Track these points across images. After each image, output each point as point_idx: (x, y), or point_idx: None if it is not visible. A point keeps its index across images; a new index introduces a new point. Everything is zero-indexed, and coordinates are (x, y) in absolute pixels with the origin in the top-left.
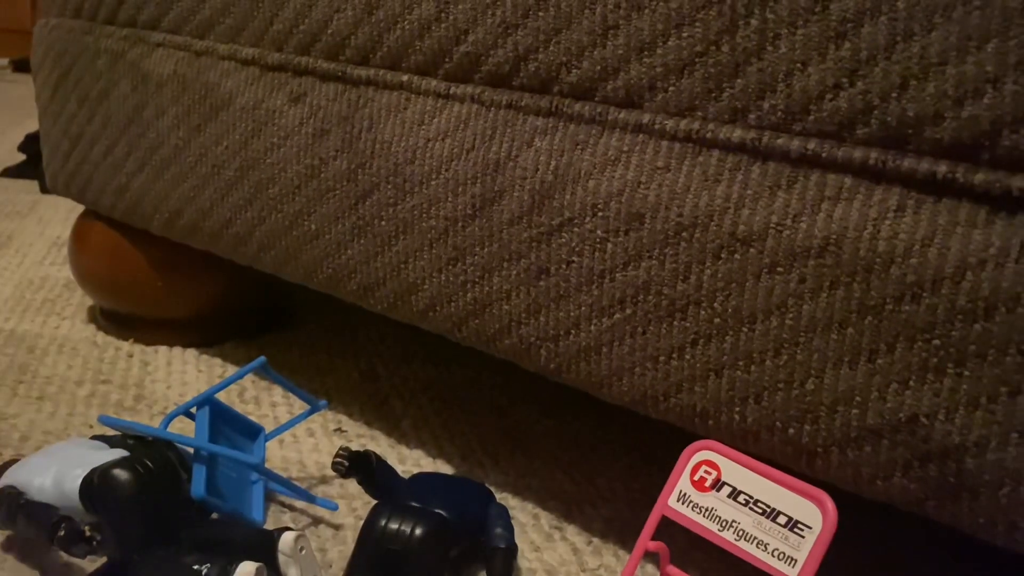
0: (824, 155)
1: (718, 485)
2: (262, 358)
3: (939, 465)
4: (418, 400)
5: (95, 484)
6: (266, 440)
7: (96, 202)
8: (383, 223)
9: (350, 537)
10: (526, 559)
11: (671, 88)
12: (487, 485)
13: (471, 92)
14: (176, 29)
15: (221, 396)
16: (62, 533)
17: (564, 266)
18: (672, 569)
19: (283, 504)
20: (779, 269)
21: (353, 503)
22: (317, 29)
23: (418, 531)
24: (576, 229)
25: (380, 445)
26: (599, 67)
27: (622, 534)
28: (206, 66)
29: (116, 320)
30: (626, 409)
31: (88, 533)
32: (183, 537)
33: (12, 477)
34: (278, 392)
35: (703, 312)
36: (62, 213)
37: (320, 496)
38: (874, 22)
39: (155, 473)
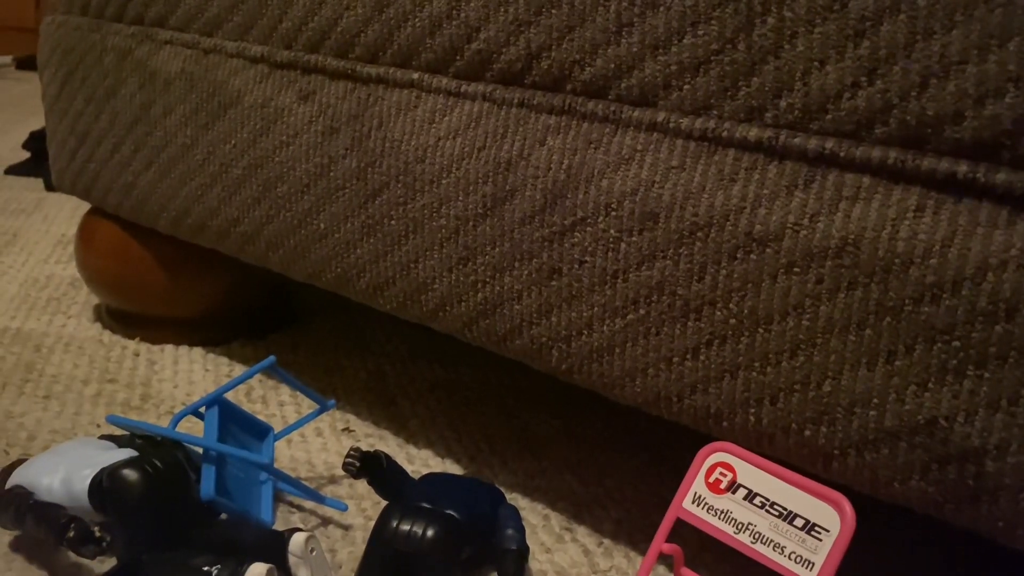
0: (842, 154)
1: (734, 487)
2: (272, 357)
3: (958, 468)
4: (426, 400)
5: (104, 484)
6: (275, 440)
7: (102, 200)
8: (393, 222)
9: (360, 538)
10: (537, 560)
11: (686, 86)
12: (496, 486)
13: (482, 90)
14: (184, 27)
15: (229, 395)
16: (71, 534)
17: (576, 266)
18: (686, 571)
19: (292, 504)
20: (796, 269)
21: (362, 503)
22: (327, 27)
23: (429, 532)
24: (589, 229)
25: (388, 445)
26: (613, 65)
27: (633, 536)
28: (214, 64)
29: (122, 319)
30: (636, 410)
31: (97, 534)
32: (192, 538)
33: (20, 477)
34: (286, 392)
35: (718, 313)
36: (67, 211)
37: (329, 496)
38: (893, 20)
39: (164, 473)
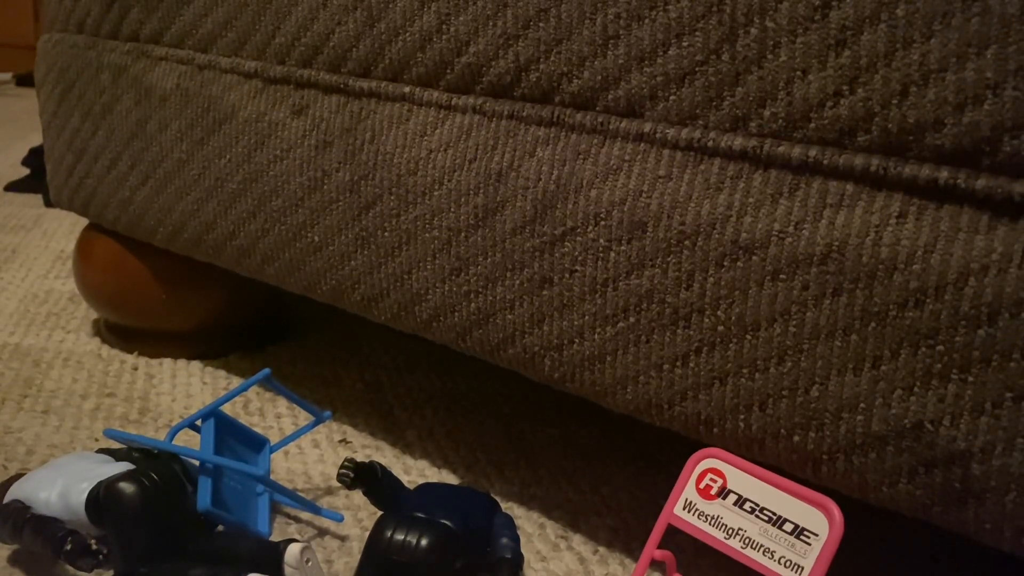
0: (825, 162)
1: (724, 493)
2: (267, 370)
3: (945, 471)
4: (423, 410)
5: (101, 497)
6: (271, 452)
7: (100, 216)
8: (386, 234)
9: (356, 548)
10: (532, 569)
11: (672, 97)
12: (492, 495)
13: (473, 103)
14: (178, 43)
15: (226, 408)
16: (68, 547)
17: (567, 275)
18: None
19: (289, 516)
20: (782, 276)
21: (359, 514)
22: (319, 42)
23: (424, 542)
24: (579, 238)
25: (385, 455)
26: (600, 77)
27: (628, 543)
28: (209, 80)
29: (121, 333)
30: (631, 417)
31: (94, 547)
32: (189, 550)
33: (18, 491)
34: (282, 404)
35: (706, 320)
36: (66, 227)
37: (326, 507)
38: (874, 29)
39: (161, 486)
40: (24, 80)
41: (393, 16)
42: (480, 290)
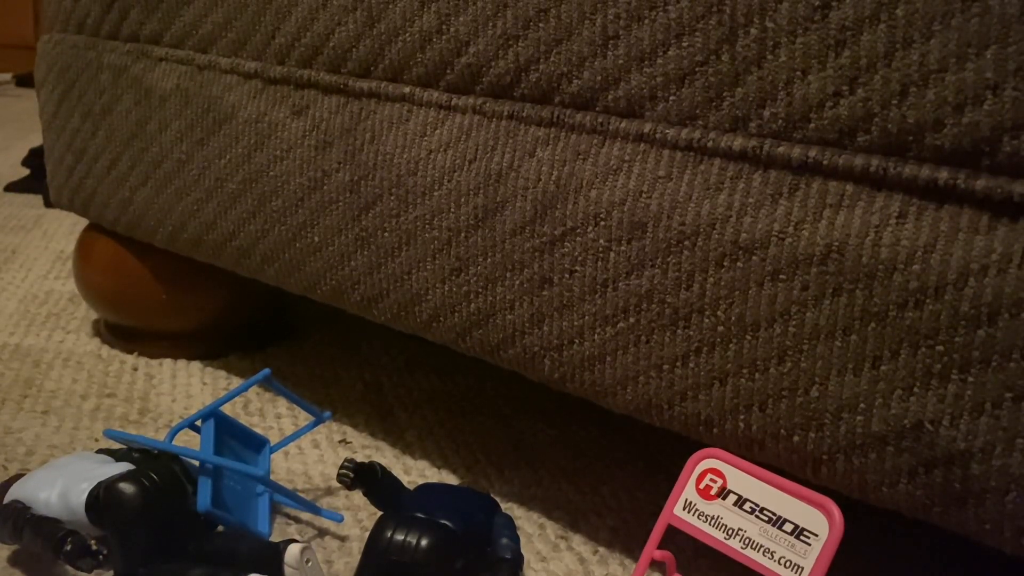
0: (825, 163)
1: (724, 493)
2: (267, 370)
3: (944, 471)
4: (423, 411)
5: (101, 498)
6: (271, 452)
7: (100, 216)
8: (386, 234)
9: (356, 548)
10: (532, 570)
11: (672, 97)
12: (492, 495)
13: (472, 103)
14: (178, 43)
15: (226, 408)
16: (68, 547)
17: (567, 276)
18: None
19: (289, 516)
20: (782, 277)
21: (359, 514)
22: (319, 42)
23: (424, 542)
24: (578, 239)
25: (385, 456)
26: (600, 77)
27: (628, 543)
28: (209, 80)
29: (121, 333)
30: (631, 418)
31: (94, 547)
32: (189, 550)
33: (18, 491)
34: (282, 404)
35: (706, 320)
36: (66, 227)
37: (326, 508)
38: (873, 30)
39: (161, 486)
40: (24, 80)
41: (393, 16)
42: (480, 290)
